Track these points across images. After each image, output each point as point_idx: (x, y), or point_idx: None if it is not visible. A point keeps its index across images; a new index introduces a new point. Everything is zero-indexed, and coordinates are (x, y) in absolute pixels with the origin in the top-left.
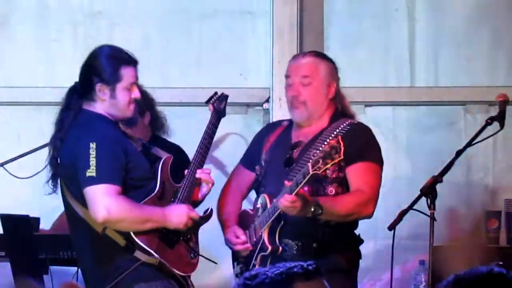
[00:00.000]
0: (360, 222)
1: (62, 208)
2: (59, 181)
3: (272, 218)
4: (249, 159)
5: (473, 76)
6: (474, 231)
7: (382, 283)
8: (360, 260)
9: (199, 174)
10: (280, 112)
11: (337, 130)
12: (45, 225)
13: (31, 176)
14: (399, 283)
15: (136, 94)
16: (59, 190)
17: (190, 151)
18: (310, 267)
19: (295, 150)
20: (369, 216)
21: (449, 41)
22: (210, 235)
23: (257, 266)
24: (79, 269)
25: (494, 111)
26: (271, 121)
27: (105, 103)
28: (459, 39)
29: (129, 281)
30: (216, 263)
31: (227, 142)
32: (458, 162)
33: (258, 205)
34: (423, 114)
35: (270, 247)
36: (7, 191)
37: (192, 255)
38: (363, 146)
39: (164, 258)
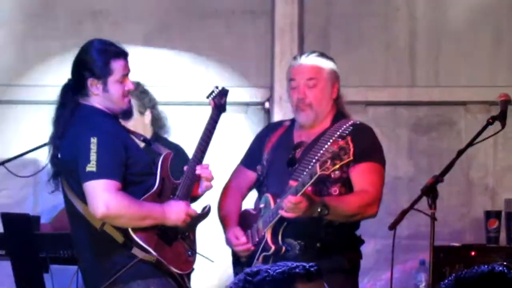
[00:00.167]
0: (361, 222)
1: (63, 206)
2: (60, 178)
3: (276, 218)
4: (250, 159)
5: (474, 76)
6: None
7: (382, 283)
8: (361, 260)
9: (198, 170)
10: (280, 111)
11: (340, 131)
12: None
13: (32, 175)
14: (399, 282)
15: (129, 85)
16: (61, 188)
17: (191, 150)
18: (312, 269)
19: (297, 150)
20: (374, 216)
21: (450, 41)
22: (208, 234)
23: None
24: (79, 267)
25: (494, 111)
26: (271, 121)
27: (99, 97)
28: (460, 39)
29: (127, 278)
30: (213, 261)
31: (228, 142)
32: (459, 162)
33: (261, 205)
34: (424, 114)
35: (273, 247)
36: (8, 190)
37: (189, 253)
38: (367, 146)
39: (162, 256)
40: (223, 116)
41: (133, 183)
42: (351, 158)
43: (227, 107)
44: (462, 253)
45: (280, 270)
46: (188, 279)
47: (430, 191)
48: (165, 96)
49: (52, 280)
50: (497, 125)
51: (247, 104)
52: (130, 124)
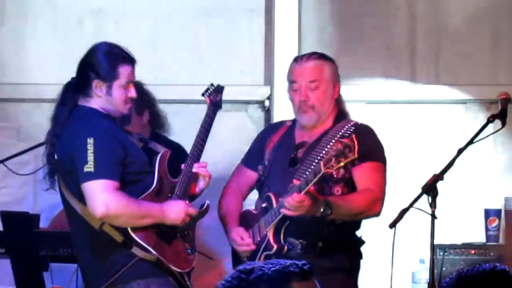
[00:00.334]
0: (362, 222)
1: (62, 207)
2: (56, 177)
3: (279, 217)
4: (251, 159)
5: (474, 74)
6: None
7: (382, 281)
8: (361, 260)
9: (196, 168)
10: (280, 110)
11: (342, 131)
12: (45, 222)
13: (31, 173)
14: (399, 281)
15: (132, 93)
16: (56, 186)
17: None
18: (305, 267)
19: (299, 150)
20: (378, 215)
21: (450, 40)
22: (207, 232)
23: None
24: (79, 265)
25: (494, 109)
26: (271, 119)
27: (101, 100)
28: (460, 37)
29: (127, 277)
30: (212, 259)
31: (227, 140)
32: (459, 160)
33: (263, 204)
34: (424, 112)
35: (275, 246)
36: (8, 188)
37: (189, 251)
38: (370, 146)
39: (162, 255)
40: (223, 114)
41: (131, 182)
42: (356, 155)
43: (228, 105)
44: (462, 251)
45: (275, 268)
46: (188, 277)
47: (430, 190)
48: (165, 94)
49: (51, 278)
50: (497, 123)
51: (247, 102)
52: (128, 124)
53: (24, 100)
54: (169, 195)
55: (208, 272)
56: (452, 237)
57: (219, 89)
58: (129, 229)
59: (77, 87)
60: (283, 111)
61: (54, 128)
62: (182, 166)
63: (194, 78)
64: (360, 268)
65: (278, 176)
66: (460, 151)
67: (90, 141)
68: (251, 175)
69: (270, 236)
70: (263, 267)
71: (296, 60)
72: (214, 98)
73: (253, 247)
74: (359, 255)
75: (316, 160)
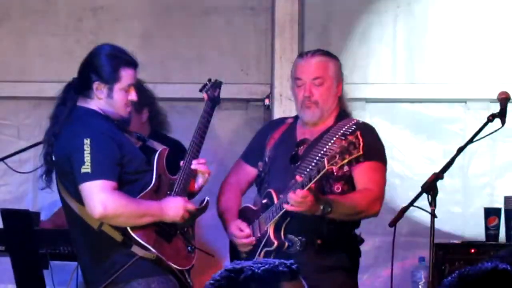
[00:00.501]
0: (361, 220)
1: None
2: (53, 176)
3: (280, 213)
4: (251, 155)
5: (474, 73)
6: None
7: (381, 280)
8: (360, 258)
9: (194, 165)
10: (280, 108)
11: (343, 129)
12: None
13: (31, 171)
14: (399, 280)
15: (132, 96)
16: (53, 185)
17: None
18: (293, 267)
19: (300, 148)
20: (376, 214)
21: (449, 38)
22: (207, 229)
23: None
24: (79, 264)
25: (494, 109)
26: (271, 117)
27: (101, 102)
28: (459, 36)
29: (127, 277)
30: (213, 255)
31: (227, 138)
32: (459, 159)
33: (264, 201)
34: (423, 111)
35: (276, 243)
36: (8, 186)
37: (189, 248)
38: (371, 146)
39: (162, 253)
40: (223, 112)
41: (129, 182)
42: (361, 152)
43: (228, 103)
44: (462, 250)
45: (264, 268)
46: (188, 274)
47: (430, 188)
48: (165, 93)
49: (52, 276)
50: (497, 122)
51: (247, 100)
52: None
53: (24, 98)
54: (168, 192)
55: (208, 270)
56: (452, 236)
57: (217, 85)
58: (128, 228)
59: (78, 88)
60: (283, 110)
61: (53, 127)
62: (181, 163)
63: (194, 76)
64: (359, 266)
65: (279, 172)
66: (460, 150)
67: (87, 141)
68: (251, 171)
69: (271, 232)
70: (252, 266)
71: (301, 56)
72: (212, 94)
73: (253, 239)
74: (358, 253)
75: (317, 158)
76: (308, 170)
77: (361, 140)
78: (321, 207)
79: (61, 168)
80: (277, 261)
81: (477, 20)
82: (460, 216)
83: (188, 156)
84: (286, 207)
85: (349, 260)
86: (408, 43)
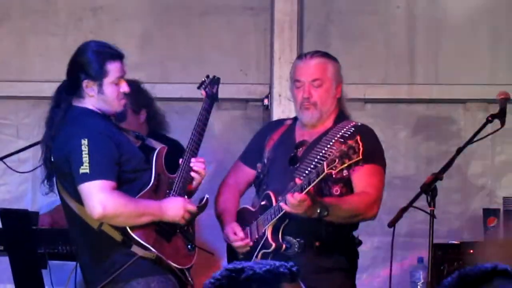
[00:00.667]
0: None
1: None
2: (55, 180)
3: (278, 215)
4: (249, 156)
5: (473, 74)
6: None
7: (380, 280)
8: (358, 260)
9: (192, 163)
10: (279, 108)
11: (342, 131)
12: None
13: (30, 171)
14: (397, 280)
15: (124, 88)
16: (55, 189)
17: None
18: (294, 269)
19: (299, 149)
20: (374, 217)
21: (449, 39)
22: (205, 228)
23: None
24: (79, 263)
25: (493, 109)
26: (270, 117)
27: (93, 99)
28: (459, 36)
29: (127, 276)
30: (213, 254)
31: (226, 138)
32: (457, 160)
33: (263, 202)
34: (422, 112)
35: (273, 245)
36: (7, 185)
37: (189, 247)
38: (370, 149)
39: (161, 252)
40: (222, 112)
41: (127, 181)
42: (361, 157)
43: (227, 103)
44: (461, 251)
45: (265, 268)
46: (189, 273)
47: (429, 189)
48: (164, 93)
49: (50, 276)
50: (496, 123)
51: (246, 100)
52: (125, 123)
53: (24, 97)
54: (168, 191)
55: (207, 270)
56: (451, 236)
57: (215, 81)
58: (127, 228)
59: (69, 89)
60: (282, 110)
61: (49, 130)
62: (180, 161)
63: (193, 76)
64: (357, 267)
65: (278, 174)
66: (459, 151)
67: (84, 142)
68: (249, 172)
69: (269, 234)
70: (253, 266)
71: (300, 57)
72: (210, 91)
73: (248, 241)
74: (356, 255)
75: (316, 160)
76: (307, 172)
77: (360, 145)
78: (318, 211)
79: (60, 169)
80: (278, 263)
81: (476, 20)
82: (459, 216)
83: (187, 154)
84: (283, 206)
85: (347, 261)
86: (407, 43)
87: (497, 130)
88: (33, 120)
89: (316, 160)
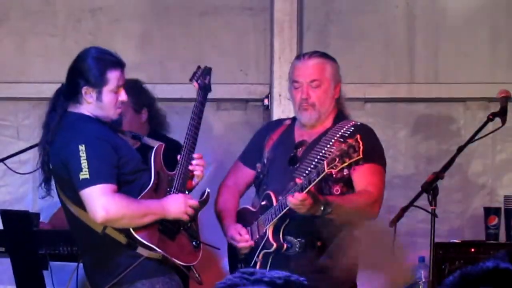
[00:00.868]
0: None
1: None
2: (52, 183)
3: (279, 215)
4: (249, 157)
5: (473, 73)
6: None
7: (381, 280)
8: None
9: (192, 166)
10: (279, 108)
11: (342, 131)
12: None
13: (31, 172)
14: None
15: (122, 96)
16: (53, 192)
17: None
18: (305, 282)
19: (299, 149)
20: (375, 216)
21: (448, 38)
22: (206, 227)
23: (258, 263)
24: (83, 265)
25: (493, 108)
26: (271, 117)
27: (91, 106)
28: (458, 35)
29: (132, 278)
30: (219, 248)
31: (226, 138)
32: (458, 158)
33: (263, 202)
34: (422, 111)
35: (275, 245)
36: (8, 187)
37: (194, 243)
38: (370, 148)
39: (166, 251)
40: (222, 113)
41: (127, 183)
42: (361, 156)
43: (227, 103)
44: (462, 250)
45: (276, 275)
46: (195, 269)
47: (431, 188)
48: (164, 93)
49: (51, 277)
50: (496, 121)
51: (246, 100)
52: (126, 122)
53: (24, 99)
54: (168, 189)
55: (215, 265)
56: (452, 235)
57: (206, 72)
58: (131, 229)
59: (67, 94)
60: (283, 110)
61: (46, 135)
62: (178, 157)
63: None
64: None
65: (278, 174)
66: (460, 150)
67: (82, 148)
68: (249, 173)
69: (270, 234)
70: (265, 272)
71: (298, 58)
72: (203, 82)
73: (252, 243)
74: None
75: (316, 160)
76: (307, 172)
77: (361, 143)
78: (322, 208)
79: (59, 175)
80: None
81: (476, 19)
82: (460, 215)
83: (184, 150)
84: (289, 204)
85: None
86: (407, 42)
87: (498, 128)
88: (33, 121)
89: (316, 160)
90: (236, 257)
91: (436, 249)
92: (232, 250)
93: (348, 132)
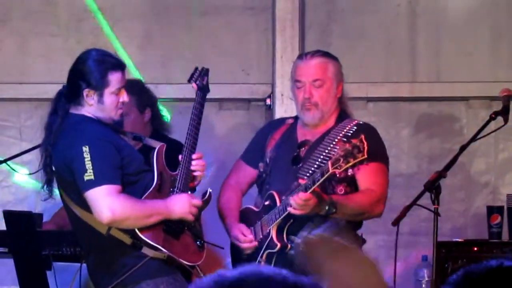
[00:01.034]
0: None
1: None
2: (54, 185)
3: (283, 215)
4: (251, 156)
5: (475, 72)
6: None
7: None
8: None
9: (193, 167)
10: (282, 107)
11: (345, 130)
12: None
13: (33, 173)
14: (401, 278)
15: (124, 98)
16: (55, 194)
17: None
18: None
19: (302, 149)
20: (379, 215)
21: (450, 37)
22: (211, 223)
23: (262, 263)
24: (86, 266)
25: (496, 106)
26: (273, 117)
27: (92, 108)
28: (460, 34)
29: (136, 278)
30: (223, 247)
31: (229, 138)
32: (461, 157)
33: (267, 202)
34: (425, 110)
35: (279, 245)
36: (10, 187)
37: (198, 243)
38: (373, 147)
39: (171, 251)
40: (224, 112)
41: (130, 183)
42: (366, 156)
43: (230, 103)
44: (465, 248)
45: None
46: (200, 268)
47: (433, 187)
48: (166, 93)
49: (55, 277)
50: (499, 120)
51: (249, 100)
52: (129, 122)
53: (26, 99)
54: (171, 189)
55: (219, 264)
56: (455, 234)
57: (204, 72)
58: (136, 230)
59: (68, 96)
60: (285, 109)
61: (48, 137)
62: (180, 157)
63: None
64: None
65: (280, 174)
66: (463, 148)
67: (86, 149)
68: (251, 172)
69: (273, 234)
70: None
71: (301, 57)
72: (201, 83)
73: (255, 243)
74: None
75: (320, 159)
76: (310, 172)
77: (365, 143)
78: (326, 208)
79: (62, 177)
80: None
81: (477, 17)
82: (463, 214)
83: (186, 150)
84: (289, 209)
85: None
86: (409, 42)
87: (501, 127)
88: (35, 122)
89: (319, 159)
90: (239, 257)
91: (439, 248)
92: (235, 250)
93: (352, 132)
